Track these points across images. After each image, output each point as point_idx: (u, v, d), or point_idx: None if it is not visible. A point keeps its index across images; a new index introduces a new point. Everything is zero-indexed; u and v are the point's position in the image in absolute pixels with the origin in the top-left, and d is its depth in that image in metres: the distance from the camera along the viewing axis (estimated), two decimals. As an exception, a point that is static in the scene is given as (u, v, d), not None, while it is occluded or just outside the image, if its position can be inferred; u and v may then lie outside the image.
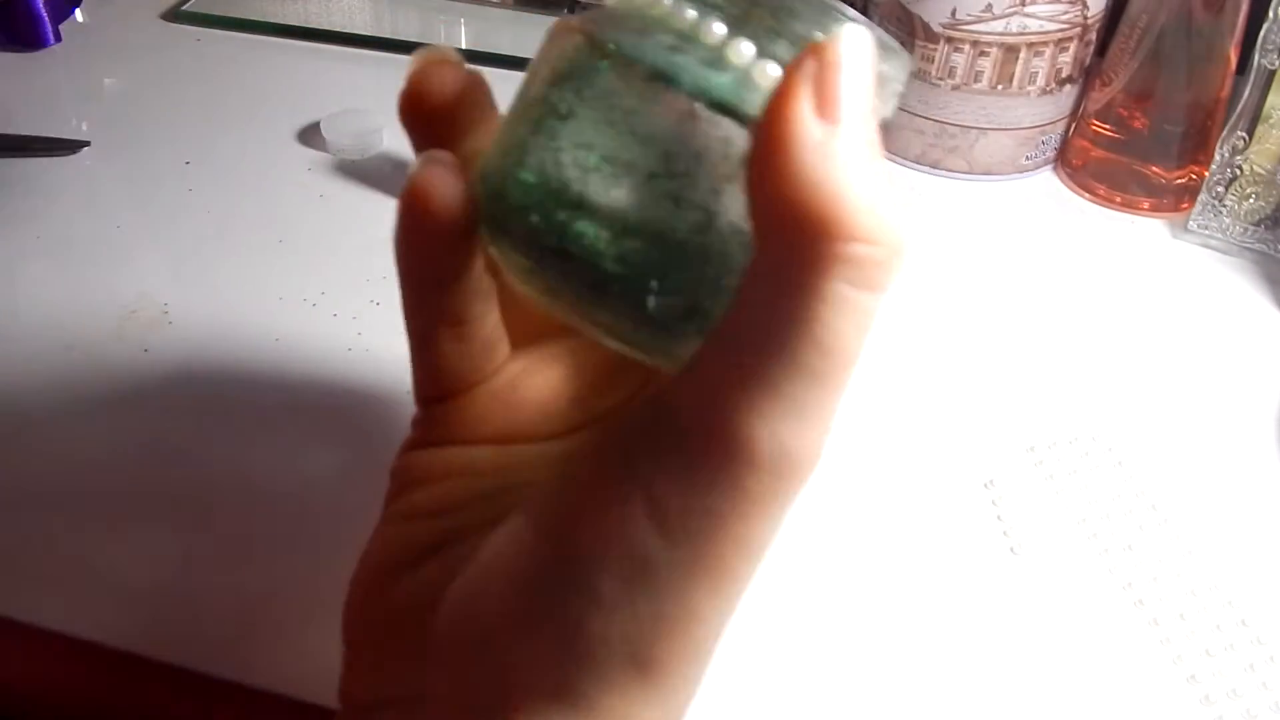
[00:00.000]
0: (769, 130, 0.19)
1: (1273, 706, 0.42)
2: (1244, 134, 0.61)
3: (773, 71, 0.21)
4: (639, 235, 0.22)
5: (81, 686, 0.42)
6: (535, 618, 0.23)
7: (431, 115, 0.29)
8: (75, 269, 0.60)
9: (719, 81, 0.21)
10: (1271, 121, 0.60)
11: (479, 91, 0.30)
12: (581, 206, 0.22)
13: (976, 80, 0.66)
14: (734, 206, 0.21)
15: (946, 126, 0.68)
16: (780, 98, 0.19)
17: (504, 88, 0.78)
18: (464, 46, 0.81)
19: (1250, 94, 0.60)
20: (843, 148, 0.19)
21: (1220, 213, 0.64)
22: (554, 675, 0.23)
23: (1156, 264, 0.64)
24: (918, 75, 0.67)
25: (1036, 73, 0.66)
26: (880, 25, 0.68)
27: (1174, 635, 0.44)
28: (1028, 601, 0.45)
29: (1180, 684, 0.42)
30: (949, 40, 0.65)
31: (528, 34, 0.80)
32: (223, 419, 0.51)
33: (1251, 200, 0.63)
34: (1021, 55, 0.65)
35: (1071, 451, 0.51)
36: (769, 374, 0.20)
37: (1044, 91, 0.67)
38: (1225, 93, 0.65)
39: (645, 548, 0.22)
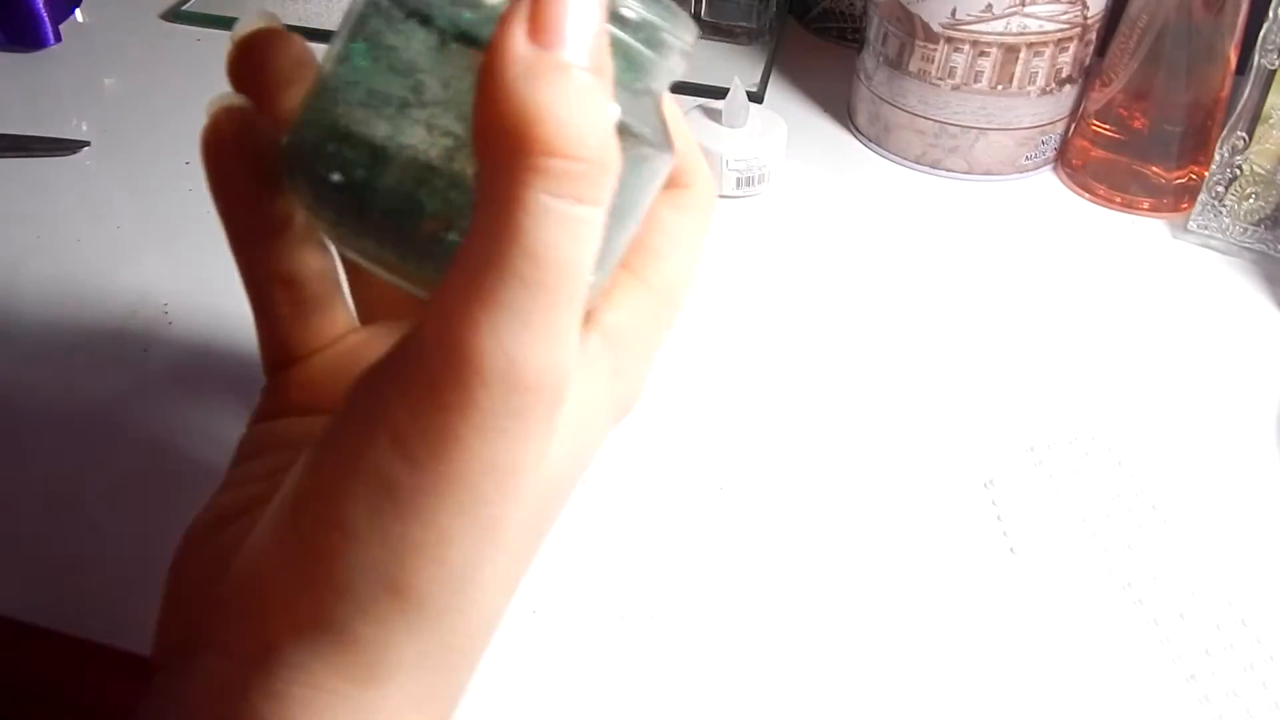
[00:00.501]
0: (487, 54, 0.20)
1: (1273, 706, 0.42)
2: (1244, 134, 0.61)
3: None
4: (394, 162, 0.24)
5: (79, 684, 0.42)
6: (294, 553, 0.23)
7: (256, 76, 0.30)
8: (75, 269, 0.60)
9: (467, 17, 0.23)
10: (1271, 121, 0.60)
11: (299, 50, 0.31)
12: (347, 139, 0.24)
13: (976, 80, 0.66)
14: None
15: (946, 126, 0.68)
16: (499, 23, 0.21)
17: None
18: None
19: (1250, 94, 0.60)
20: (548, 69, 0.20)
21: (1220, 213, 0.64)
22: (313, 609, 0.23)
23: (1156, 264, 0.64)
24: (918, 75, 0.67)
25: (1036, 73, 0.66)
26: (881, 25, 0.68)
27: (1174, 635, 0.44)
28: (1028, 601, 0.45)
29: (1180, 684, 0.42)
30: (949, 40, 0.65)
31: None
32: (223, 419, 0.51)
33: (1251, 200, 0.63)
34: (1021, 55, 0.65)
35: (1071, 451, 0.51)
36: (489, 286, 0.21)
37: (1044, 91, 0.67)
38: (1225, 93, 0.65)
39: (389, 472, 0.22)
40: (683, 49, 0.26)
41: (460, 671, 0.26)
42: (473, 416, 0.21)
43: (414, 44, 0.23)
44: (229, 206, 0.30)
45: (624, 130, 0.23)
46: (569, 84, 0.20)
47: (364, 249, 0.25)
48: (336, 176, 0.24)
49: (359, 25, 0.25)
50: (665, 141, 0.27)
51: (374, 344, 0.33)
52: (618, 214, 0.24)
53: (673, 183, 0.28)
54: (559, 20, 0.20)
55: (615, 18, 0.24)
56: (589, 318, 0.27)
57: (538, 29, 0.20)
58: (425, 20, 0.23)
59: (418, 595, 0.23)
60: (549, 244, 0.20)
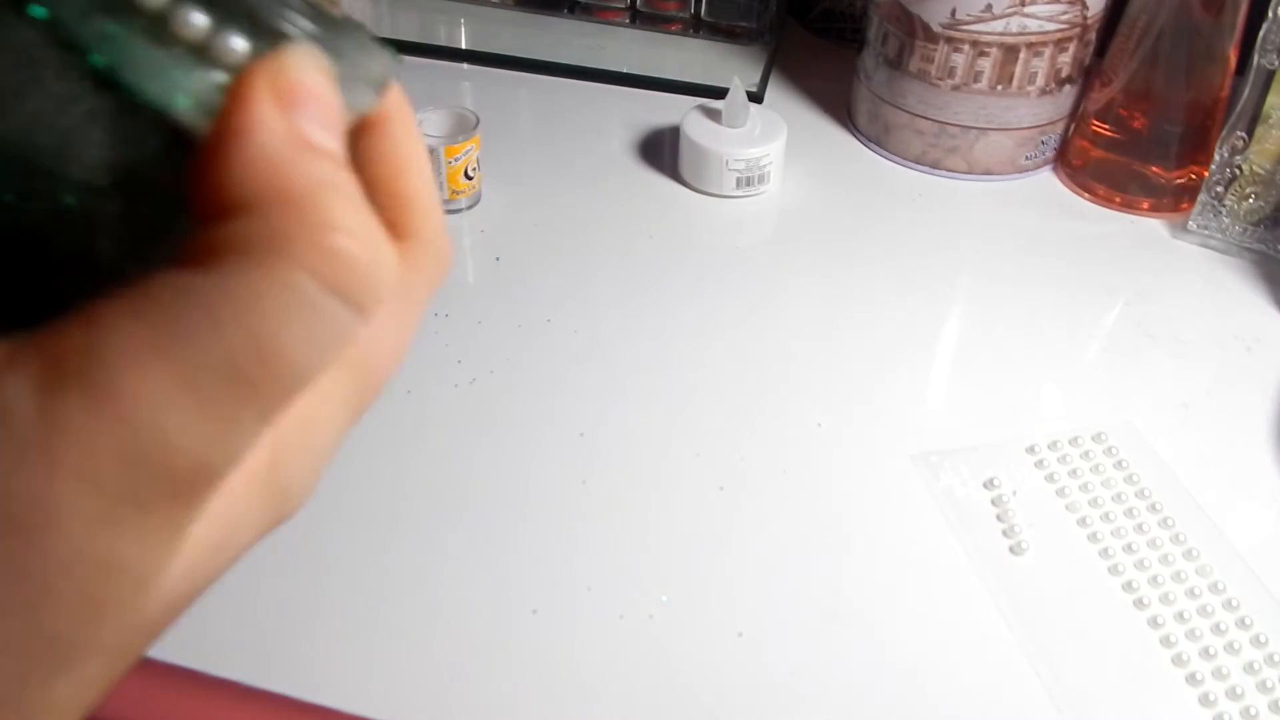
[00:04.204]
0: (231, 112, 0.17)
1: (1272, 706, 0.42)
2: (1243, 134, 0.61)
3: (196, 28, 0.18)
4: None
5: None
6: None
7: None
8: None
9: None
10: (1271, 121, 0.60)
11: None
12: None
13: (976, 80, 0.66)
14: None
15: (946, 126, 0.68)
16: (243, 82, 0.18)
17: (504, 88, 0.78)
18: (464, 46, 0.81)
19: (1250, 94, 0.60)
20: (310, 149, 0.18)
21: (1220, 213, 0.64)
22: None
23: (1156, 264, 0.64)
24: (918, 75, 0.67)
25: (1036, 73, 0.66)
26: (881, 25, 0.68)
27: (1174, 635, 0.44)
28: (1028, 601, 0.45)
29: (1180, 684, 0.42)
30: (949, 40, 0.65)
31: (528, 34, 0.80)
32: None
33: (1251, 200, 0.63)
34: (1021, 55, 0.65)
35: (1071, 451, 0.51)
36: (185, 357, 0.16)
37: (1044, 91, 0.67)
38: (1225, 93, 0.65)
39: None
40: (380, 79, 0.21)
41: None
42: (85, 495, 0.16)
43: None
44: None
45: None
46: (333, 164, 0.17)
47: None
48: None
49: None
50: None
51: None
52: None
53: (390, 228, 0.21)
54: (314, 87, 0.18)
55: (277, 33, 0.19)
56: None
57: (291, 97, 0.17)
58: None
59: None
60: (285, 333, 0.16)
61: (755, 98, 0.75)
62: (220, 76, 0.18)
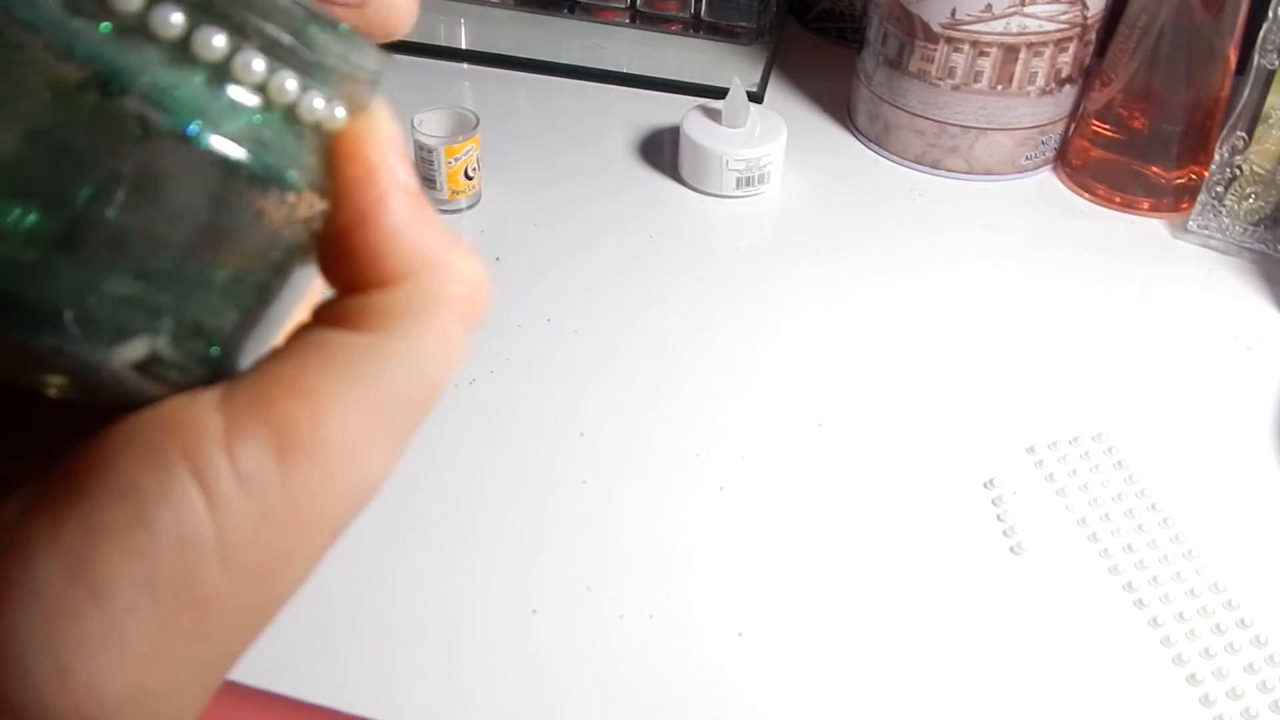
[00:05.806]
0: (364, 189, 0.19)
1: (1272, 706, 0.42)
2: (1243, 134, 0.61)
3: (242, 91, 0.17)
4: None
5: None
6: None
7: None
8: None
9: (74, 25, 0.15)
10: (1271, 121, 0.60)
11: None
12: None
13: (976, 80, 0.66)
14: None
15: (946, 126, 0.68)
16: (362, 159, 0.19)
17: (504, 87, 0.78)
18: (464, 46, 0.81)
19: (1250, 94, 0.60)
20: (421, 201, 0.20)
21: (1220, 213, 0.64)
22: None
23: (1156, 264, 0.64)
24: (918, 75, 0.67)
25: (1036, 73, 0.66)
26: (881, 25, 0.68)
27: (1174, 635, 0.44)
28: (1028, 601, 0.45)
29: (1180, 684, 0.42)
30: (949, 40, 0.65)
31: (528, 34, 0.81)
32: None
33: (1251, 200, 0.63)
34: (1021, 55, 0.65)
35: (1071, 451, 0.51)
36: (373, 391, 0.19)
37: (1043, 91, 0.67)
38: (1225, 93, 0.65)
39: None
40: (357, 75, 0.20)
41: None
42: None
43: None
44: None
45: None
46: (431, 211, 0.20)
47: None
48: None
49: None
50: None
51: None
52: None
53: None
54: (395, 134, 0.20)
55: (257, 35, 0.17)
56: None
57: (390, 154, 0.20)
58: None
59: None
60: (442, 371, 0.20)
61: (755, 98, 0.75)
62: (311, 137, 0.19)
